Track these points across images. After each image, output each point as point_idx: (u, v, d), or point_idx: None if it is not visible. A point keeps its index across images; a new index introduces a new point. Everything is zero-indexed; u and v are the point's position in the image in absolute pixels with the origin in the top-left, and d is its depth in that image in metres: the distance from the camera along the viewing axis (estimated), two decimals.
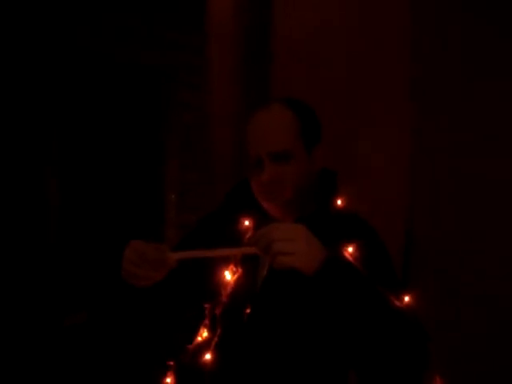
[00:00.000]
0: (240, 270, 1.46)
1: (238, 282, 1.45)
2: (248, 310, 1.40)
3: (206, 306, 1.45)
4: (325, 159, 1.54)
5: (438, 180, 2.33)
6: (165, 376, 1.49)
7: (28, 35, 2.75)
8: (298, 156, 1.44)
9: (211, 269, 1.45)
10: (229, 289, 1.45)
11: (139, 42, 3.08)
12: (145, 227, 3.16)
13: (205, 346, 1.44)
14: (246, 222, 1.49)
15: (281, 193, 1.44)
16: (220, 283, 1.45)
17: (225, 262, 1.46)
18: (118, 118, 3.11)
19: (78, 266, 2.94)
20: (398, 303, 1.24)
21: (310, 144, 1.49)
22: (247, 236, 1.43)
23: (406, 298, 1.31)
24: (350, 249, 1.34)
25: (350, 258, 1.32)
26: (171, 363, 1.49)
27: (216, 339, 1.42)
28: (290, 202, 1.46)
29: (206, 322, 1.46)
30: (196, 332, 1.48)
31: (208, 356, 1.41)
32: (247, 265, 1.46)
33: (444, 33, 2.32)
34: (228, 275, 1.45)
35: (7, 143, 2.72)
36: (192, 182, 3.21)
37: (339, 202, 1.51)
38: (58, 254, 2.93)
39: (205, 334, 1.46)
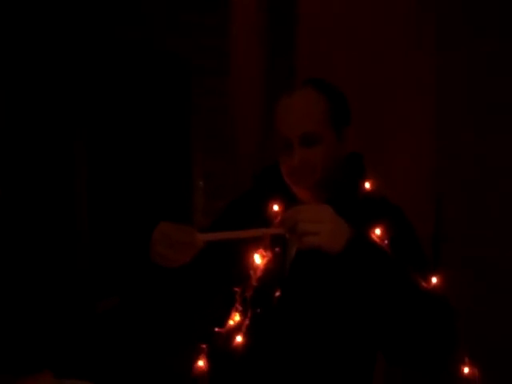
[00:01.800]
0: (269, 253, 1.47)
1: (267, 266, 1.47)
2: (278, 293, 1.42)
3: (237, 289, 1.47)
4: (352, 141, 1.55)
5: (465, 165, 2.32)
6: (197, 359, 1.51)
7: (52, 25, 2.77)
8: (328, 139, 1.45)
9: (241, 252, 1.47)
10: (259, 272, 1.46)
11: (164, 27, 3.08)
12: (173, 214, 3.19)
13: (236, 329, 1.46)
14: (275, 207, 1.50)
15: (310, 176, 1.45)
16: (250, 267, 1.46)
17: (254, 245, 1.47)
18: (142, 105, 3.13)
19: (109, 252, 2.97)
20: (425, 284, 1.24)
21: (340, 126, 1.49)
22: (276, 220, 1.44)
23: (434, 279, 1.31)
24: (378, 231, 1.35)
25: (377, 240, 1.32)
26: (203, 346, 1.51)
27: (247, 322, 1.44)
28: (319, 184, 1.47)
29: (237, 305, 1.47)
30: (228, 316, 1.50)
31: (239, 339, 1.43)
32: (276, 248, 1.47)
33: (470, 31, 2.30)
34: (258, 259, 1.46)
35: (36, 136, 2.76)
36: (218, 168, 3.22)
37: (367, 184, 1.51)
38: (88, 241, 2.97)
39: (236, 317, 1.48)
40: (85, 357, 2.70)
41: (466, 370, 1.39)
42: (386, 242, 1.34)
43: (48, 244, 2.78)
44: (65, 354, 2.65)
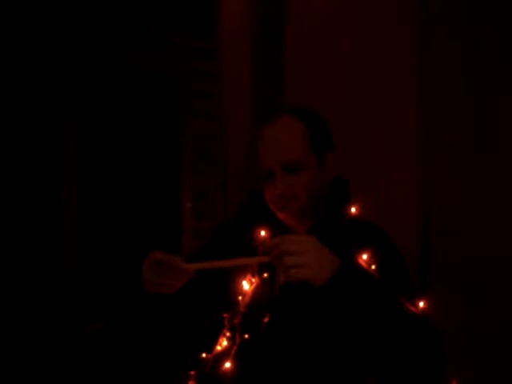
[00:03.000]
0: (257, 279, 1.48)
1: (255, 292, 1.48)
2: (266, 319, 1.43)
3: (225, 315, 1.48)
4: (335, 166, 1.56)
5: (453, 182, 2.33)
6: None
7: (46, 42, 2.79)
8: (309, 165, 1.47)
9: (229, 278, 1.48)
10: (247, 298, 1.47)
11: (153, 49, 3.11)
12: (162, 235, 3.19)
13: (224, 354, 1.46)
14: (262, 233, 1.51)
15: (294, 203, 1.47)
16: (238, 293, 1.47)
17: (242, 271, 1.48)
18: (130, 126, 3.14)
19: (96, 273, 2.97)
20: (413, 309, 1.26)
21: (321, 152, 1.50)
22: (262, 246, 1.46)
23: (421, 304, 1.33)
24: (365, 256, 1.37)
25: (365, 266, 1.34)
26: (192, 373, 1.51)
27: (235, 348, 1.45)
28: (304, 210, 1.48)
29: (225, 331, 1.48)
30: (215, 341, 1.50)
31: (228, 364, 1.44)
32: (264, 273, 1.48)
33: (453, 30, 2.33)
34: (246, 285, 1.48)
35: (24, 153, 2.76)
36: (206, 190, 3.23)
37: (353, 209, 1.53)
38: (76, 261, 2.96)
39: (224, 343, 1.49)
40: (69, 376, 2.69)
41: None
42: (373, 267, 1.36)
43: (35, 262, 2.77)
44: (49, 371, 2.63)
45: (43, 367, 2.67)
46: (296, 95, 2.68)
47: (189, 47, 3.18)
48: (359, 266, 1.29)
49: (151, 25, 3.10)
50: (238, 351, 1.45)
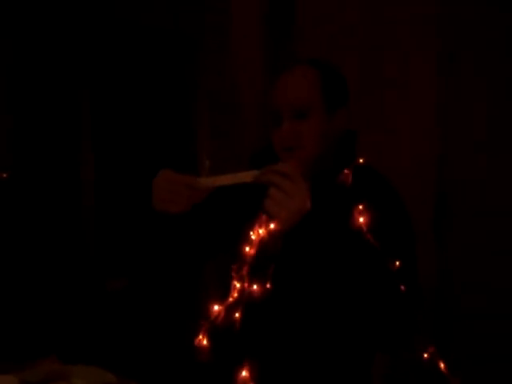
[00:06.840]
0: (264, 230, 1.49)
1: (262, 243, 1.49)
2: (271, 269, 1.44)
3: (233, 266, 1.50)
4: (350, 119, 1.54)
5: (471, 135, 2.31)
6: (198, 335, 1.52)
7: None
8: (317, 113, 1.44)
9: (237, 227, 1.51)
10: (253, 249, 1.48)
11: (167, 5, 3.08)
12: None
13: (234, 305, 1.49)
14: None
15: (299, 148, 1.44)
16: (245, 243, 1.49)
17: (250, 222, 1.50)
18: (145, 83, 3.14)
19: (116, 232, 3.01)
20: (390, 265, 1.27)
21: (333, 104, 1.48)
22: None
23: (397, 263, 1.30)
24: (361, 206, 1.36)
25: (357, 217, 1.35)
26: (203, 323, 1.53)
27: (244, 299, 1.47)
28: (309, 159, 1.45)
29: (235, 282, 1.50)
30: (227, 293, 1.53)
31: (237, 315, 1.46)
32: (271, 225, 1.48)
33: None
34: (253, 236, 1.49)
35: (42, 115, 2.80)
36: (223, 147, 3.22)
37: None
38: (97, 220, 3.00)
39: (235, 294, 1.51)
40: (91, 341, 2.74)
41: (425, 355, 1.44)
42: (362, 219, 1.36)
43: (57, 222, 2.81)
44: (71, 338, 2.68)
45: (63, 330, 2.72)
46: (307, 47, 2.65)
47: (205, 4, 3.14)
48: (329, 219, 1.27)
49: None
50: (247, 302, 1.47)
